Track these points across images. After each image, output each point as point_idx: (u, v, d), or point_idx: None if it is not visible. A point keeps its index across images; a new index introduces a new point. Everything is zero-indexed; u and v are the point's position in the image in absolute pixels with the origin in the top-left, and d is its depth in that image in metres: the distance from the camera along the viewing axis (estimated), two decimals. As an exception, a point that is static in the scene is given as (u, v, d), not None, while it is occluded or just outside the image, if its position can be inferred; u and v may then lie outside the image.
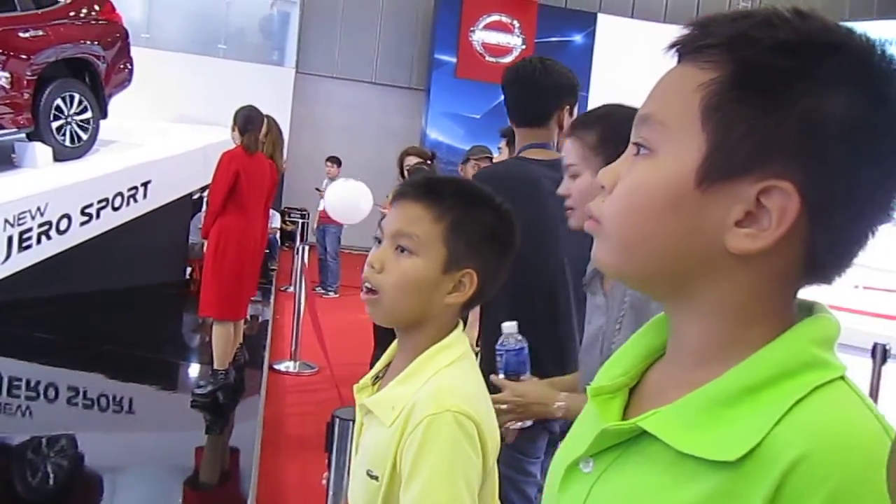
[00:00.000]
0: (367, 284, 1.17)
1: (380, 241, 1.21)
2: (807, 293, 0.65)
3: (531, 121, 2.23)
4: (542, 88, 2.22)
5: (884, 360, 3.22)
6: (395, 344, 1.26)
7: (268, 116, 4.86)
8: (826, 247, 0.60)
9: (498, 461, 1.18)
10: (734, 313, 0.62)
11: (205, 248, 4.66)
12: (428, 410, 1.08)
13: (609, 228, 0.65)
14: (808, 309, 0.65)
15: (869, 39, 0.60)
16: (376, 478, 1.13)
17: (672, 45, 0.64)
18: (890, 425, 0.57)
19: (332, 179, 8.43)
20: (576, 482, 0.69)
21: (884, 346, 3.23)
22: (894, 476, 0.45)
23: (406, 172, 4.63)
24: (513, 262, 1.24)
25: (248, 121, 4.55)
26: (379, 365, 1.26)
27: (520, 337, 1.68)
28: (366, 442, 1.20)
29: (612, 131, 1.50)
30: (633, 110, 0.69)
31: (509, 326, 1.69)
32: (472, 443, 1.09)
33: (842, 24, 0.61)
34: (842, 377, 0.59)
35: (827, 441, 0.54)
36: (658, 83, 0.66)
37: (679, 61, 0.65)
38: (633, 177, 0.64)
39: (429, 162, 4.62)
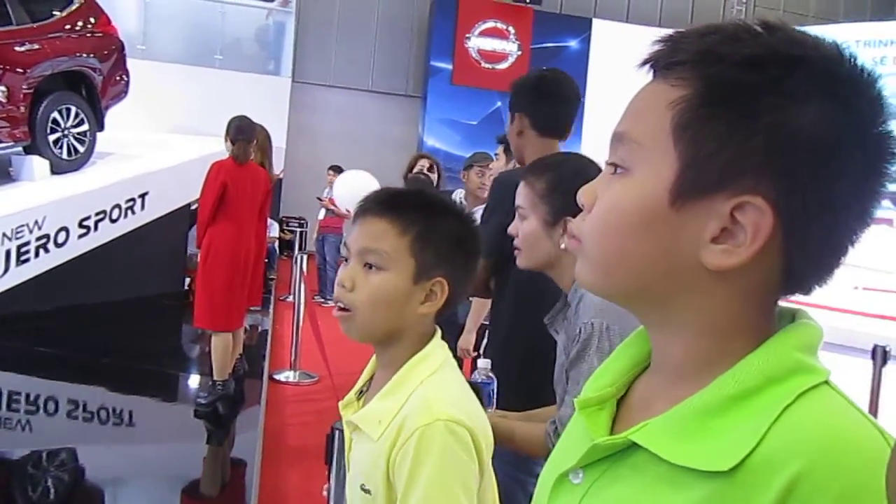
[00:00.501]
0: (339, 304, 1.18)
1: (346, 261, 1.22)
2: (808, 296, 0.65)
3: (562, 132, 2.29)
4: (572, 99, 2.32)
5: (884, 362, 3.22)
6: (374, 359, 1.27)
7: (259, 125, 4.85)
8: (803, 259, 0.60)
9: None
10: (714, 328, 0.63)
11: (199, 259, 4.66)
12: (419, 422, 1.09)
13: (588, 247, 0.66)
14: (791, 316, 0.65)
15: (838, 49, 0.60)
16: (369, 491, 1.14)
17: (644, 62, 0.65)
18: (879, 424, 0.58)
19: (330, 191, 8.44)
20: (565, 493, 0.69)
21: (884, 347, 3.22)
22: (893, 480, 0.45)
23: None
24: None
25: (239, 131, 4.55)
26: (361, 381, 1.27)
27: (490, 374, 1.82)
28: (356, 457, 1.21)
29: (560, 182, 1.58)
30: (587, 162, 0.71)
31: (484, 363, 1.84)
32: (466, 447, 1.10)
33: (810, 32, 0.61)
34: (826, 381, 0.60)
35: (826, 450, 0.54)
36: (632, 101, 0.66)
37: (654, 76, 0.65)
38: (609, 196, 0.64)
39: (425, 172, 4.63)
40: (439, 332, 1.25)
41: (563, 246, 1.66)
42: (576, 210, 0.70)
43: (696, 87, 0.59)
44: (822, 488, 0.53)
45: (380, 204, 1.21)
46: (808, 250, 0.60)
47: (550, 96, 2.28)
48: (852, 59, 0.60)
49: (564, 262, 1.67)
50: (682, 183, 0.60)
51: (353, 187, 6.15)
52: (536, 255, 1.70)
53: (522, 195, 1.66)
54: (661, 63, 0.63)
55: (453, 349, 2.36)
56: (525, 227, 1.64)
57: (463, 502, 1.08)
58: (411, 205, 1.21)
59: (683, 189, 0.60)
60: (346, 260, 1.22)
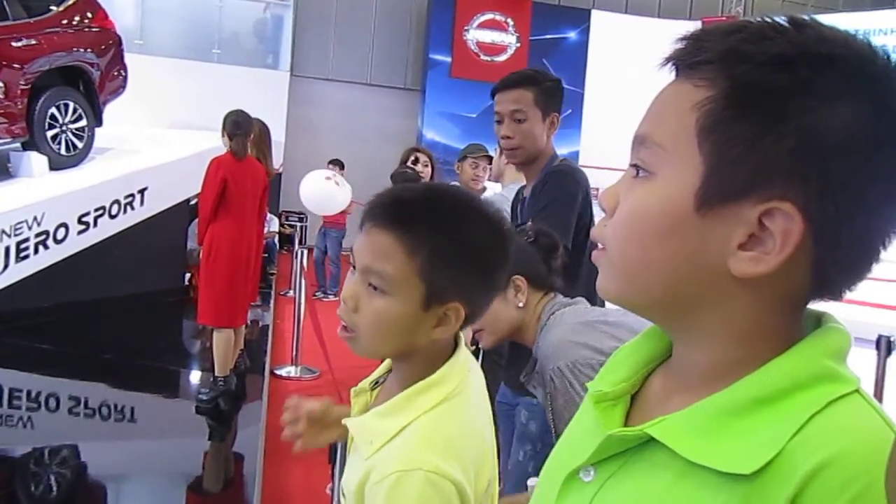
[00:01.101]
0: (343, 322, 1.06)
1: (354, 268, 1.07)
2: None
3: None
4: None
5: (888, 352, 3.21)
6: None
7: (257, 119, 4.83)
8: (833, 265, 0.58)
9: None
10: (740, 335, 0.61)
11: (200, 255, 4.64)
12: (397, 466, 0.98)
13: (613, 254, 0.64)
14: (816, 319, 0.63)
15: (870, 46, 0.58)
16: (346, 496, 1.10)
17: (667, 60, 0.62)
18: None
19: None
20: (575, 491, 0.67)
21: (888, 337, 3.21)
22: (893, 476, 0.44)
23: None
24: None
25: (236, 125, 4.52)
26: (380, 369, 1.19)
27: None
28: (350, 461, 1.13)
29: None
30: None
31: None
32: (447, 502, 0.98)
33: (842, 29, 0.59)
34: (857, 390, 0.58)
35: (847, 449, 0.53)
36: (654, 101, 0.64)
37: (676, 76, 0.63)
38: (632, 200, 0.62)
39: (409, 166, 4.60)
40: (461, 352, 1.11)
41: (520, 304, 1.70)
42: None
43: (722, 88, 0.57)
44: (840, 484, 0.52)
45: (388, 214, 1.03)
46: (840, 256, 0.58)
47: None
48: (885, 56, 0.57)
49: (526, 320, 1.72)
50: (707, 188, 0.58)
51: (317, 195, 6.18)
52: (501, 325, 1.73)
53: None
54: (684, 62, 0.61)
55: None
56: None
57: None
58: (424, 217, 1.02)
59: (709, 194, 0.58)
60: (354, 268, 1.07)
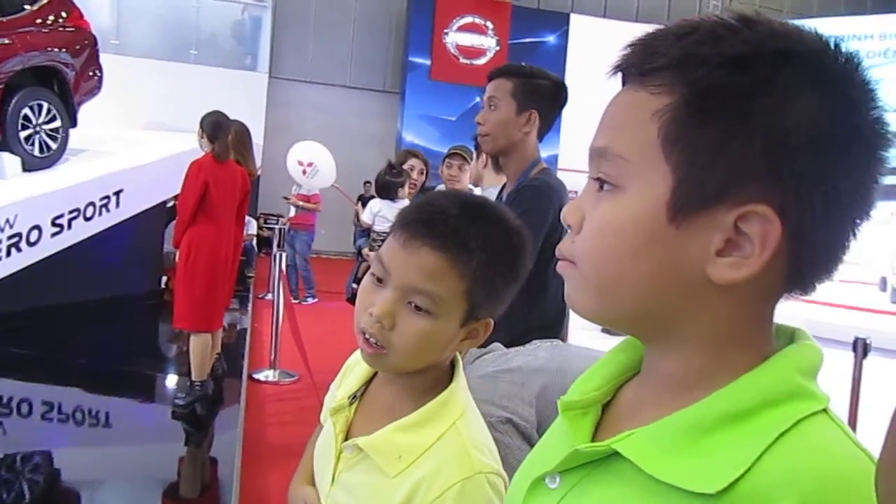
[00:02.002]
0: (371, 339, 1.01)
1: (380, 280, 1.03)
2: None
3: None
4: None
5: (864, 354, 3.24)
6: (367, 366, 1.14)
7: (236, 121, 4.78)
8: (810, 263, 0.58)
9: None
10: (717, 341, 0.60)
11: (177, 259, 4.58)
12: (458, 475, 0.98)
13: (584, 269, 0.62)
14: (790, 335, 0.63)
15: (821, 38, 0.57)
16: None
17: (616, 68, 0.61)
18: (874, 456, 0.55)
19: (299, 186, 8.32)
20: (540, 497, 0.67)
21: (864, 340, 3.25)
22: (884, 491, 0.44)
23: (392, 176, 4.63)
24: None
25: (217, 127, 4.47)
26: (355, 385, 1.14)
27: None
28: (353, 481, 1.07)
29: None
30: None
31: None
32: (501, 498, 1.00)
33: (790, 21, 0.58)
34: (824, 409, 0.57)
35: (819, 487, 0.52)
36: (607, 112, 0.62)
37: (625, 83, 0.61)
38: (601, 214, 0.60)
39: (395, 168, 4.59)
40: (461, 363, 1.12)
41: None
42: None
43: (682, 94, 0.56)
44: (803, 498, 0.51)
45: (437, 234, 1.00)
46: (816, 253, 0.58)
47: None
48: (837, 47, 0.57)
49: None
50: (679, 198, 0.57)
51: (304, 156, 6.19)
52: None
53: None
54: (636, 69, 0.59)
55: None
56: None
57: None
58: (473, 237, 1.00)
59: (682, 204, 0.57)
60: (380, 280, 1.03)
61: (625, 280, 0.59)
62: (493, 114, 2.16)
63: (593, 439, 0.66)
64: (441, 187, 4.31)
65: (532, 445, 1.65)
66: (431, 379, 1.07)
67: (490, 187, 3.24)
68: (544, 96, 2.18)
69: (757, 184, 0.55)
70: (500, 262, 1.03)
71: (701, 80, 0.55)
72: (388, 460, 1.01)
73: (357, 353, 1.17)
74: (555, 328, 2.12)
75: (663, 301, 0.59)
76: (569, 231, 0.64)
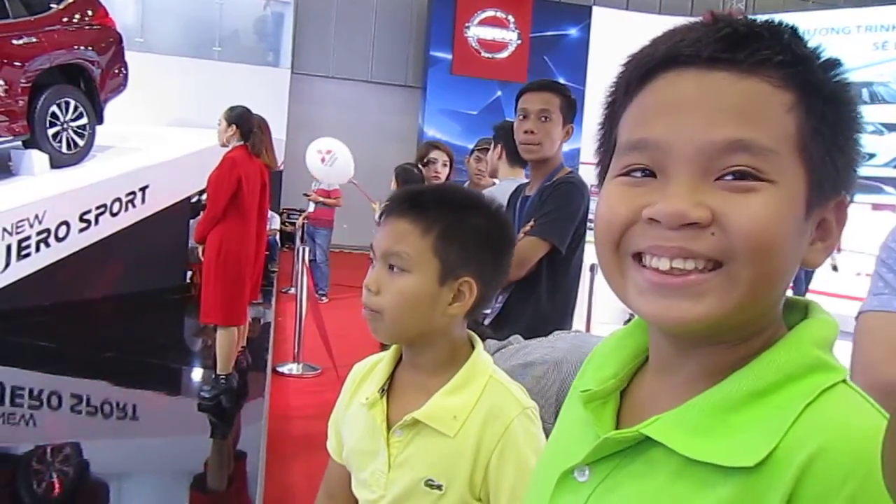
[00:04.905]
0: (367, 306, 1.16)
1: (373, 262, 1.19)
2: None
3: None
4: None
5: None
6: (390, 355, 1.24)
7: (255, 115, 4.82)
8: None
9: None
10: (767, 327, 0.62)
11: (200, 253, 4.62)
12: (514, 411, 1.15)
13: (739, 271, 0.57)
14: (804, 307, 0.64)
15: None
16: (439, 486, 1.13)
17: (738, 44, 0.58)
18: None
19: (319, 182, 8.24)
20: (570, 492, 0.66)
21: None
22: (889, 461, 0.45)
23: (414, 171, 4.60)
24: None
25: (249, 121, 4.54)
26: (381, 378, 1.23)
27: None
28: (414, 455, 1.17)
29: None
30: None
31: None
32: (541, 429, 1.17)
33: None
34: (844, 380, 0.59)
35: (843, 438, 0.54)
36: (712, 97, 0.58)
37: (726, 67, 0.58)
38: (761, 210, 0.57)
39: (410, 163, 4.58)
40: (480, 345, 1.23)
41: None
42: None
43: (803, 92, 0.58)
44: (839, 473, 0.52)
45: (402, 204, 1.18)
46: None
47: None
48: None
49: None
50: (814, 193, 0.59)
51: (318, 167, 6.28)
52: None
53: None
54: (760, 56, 0.57)
55: None
56: None
57: None
58: (433, 203, 1.18)
59: (814, 198, 0.59)
60: (373, 262, 1.19)
61: (779, 275, 0.58)
62: (546, 125, 2.40)
63: (617, 429, 0.66)
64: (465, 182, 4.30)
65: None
66: (450, 353, 1.20)
67: (506, 180, 3.26)
68: (574, 111, 2.48)
69: (848, 176, 0.61)
70: (465, 222, 1.17)
71: (822, 84, 0.59)
72: (445, 422, 1.14)
73: (361, 366, 1.31)
74: (571, 315, 2.41)
75: (782, 294, 0.62)
76: (674, 231, 0.57)
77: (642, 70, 0.61)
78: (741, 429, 0.57)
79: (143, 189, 6.83)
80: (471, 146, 4.40)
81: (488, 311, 2.34)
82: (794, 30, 0.60)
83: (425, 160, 4.54)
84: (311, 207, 8.55)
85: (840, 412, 0.56)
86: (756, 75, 0.57)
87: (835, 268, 7.95)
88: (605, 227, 0.61)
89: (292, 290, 7.30)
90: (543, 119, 2.39)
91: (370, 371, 1.27)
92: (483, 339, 1.85)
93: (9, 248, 5.63)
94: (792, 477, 0.53)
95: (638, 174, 0.60)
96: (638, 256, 0.60)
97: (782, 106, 0.57)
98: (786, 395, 0.57)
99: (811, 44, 0.60)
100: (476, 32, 12.87)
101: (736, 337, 0.61)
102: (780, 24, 0.60)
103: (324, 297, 8.34)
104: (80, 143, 6.87)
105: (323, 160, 6.40)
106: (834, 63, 0.60)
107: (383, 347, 1.27)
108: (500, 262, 1.21)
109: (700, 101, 0.58)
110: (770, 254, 0.56)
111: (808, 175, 0.58)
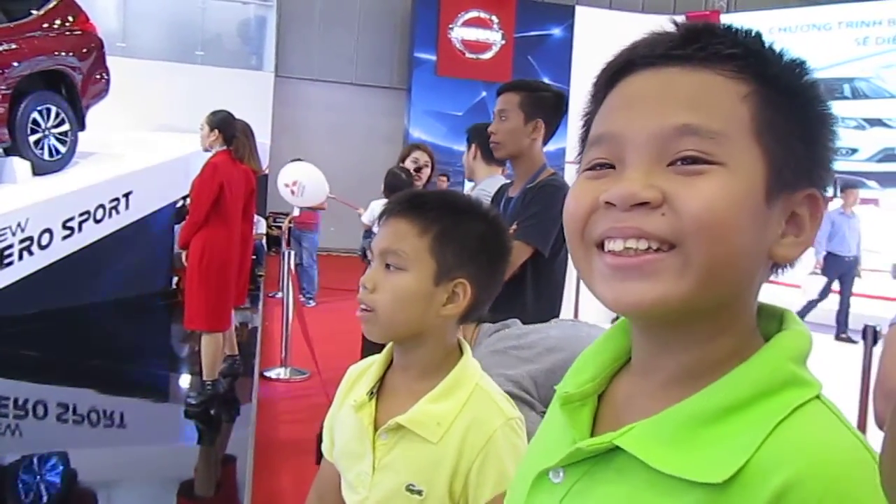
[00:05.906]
0: (361, 304, 1.18)
1: (370, 262, 1.22)
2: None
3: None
4: None
5: (874, 342, 3.23)
6: (381, 358, 1.25)
7: (238, 120, 4.80)
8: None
9: None
10: (746, 325, 0.62)
11: (184, 259, 4.59)
12: (498, 421, 1.15)
13: (691, 252, 0.58)
14: (779, 318, 0.64)
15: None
16: (419, 492, 1.14)
17: (689, 41, 0.61)
18: (867, 442, 0.57)
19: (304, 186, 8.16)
20: (544, 492, 0.67)
21: (874, 328, 3.23)
22: (887, 466, 0.45)
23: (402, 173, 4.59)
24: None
25: (231, 126, 4.52)
26: (371, 380, 1.24)
27: None
28: (397, 459, 1.17)
29: None
30: None
31: None
32: (525, 441, 1.17)
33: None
34: (818, 396, 0.59)
35: (817, 463, 0.54)
36: (671, 89, 0.60)
37: (689, 64, 0.60)
38: (713, 190, 0.57)
39: (401, 166, 4.56)
40: (469, 351, 1.24)
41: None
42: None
43: (759, 85, 0.59)
44: (811, 495, 0.52)
45: (402, 204, 1.21)
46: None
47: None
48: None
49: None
50: (774, 179, 0.59)
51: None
52: None
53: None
54: (702, 51, 0.60)
55: None
56: None
57: None
58: (434, 205, 1.20)
59: (774, 185, 0.59)
60: (370, 262, 1.22)
61: (734, 259, 0.58)
62: (503, 124, 2.43)
63: (593, 432, 0.67)
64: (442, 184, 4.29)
65: (536, 413, 1.68)
66: (439, 357, 1.20)
67: (487, 178, 3.30)
68: (548, 106, 2.44)
69: (819, 170, 0.61)
70: (463, 226, 1.19)
71: (778, 77, 0.60)
72: (429, 428, 1.15)
73: (355, 367, 1.32)
74: (557, 317, 2.38)
75: (743, 283, 0.61)
76: (627, 212, 0.59)
77: (607, 76, 0.66)
78: (712, 444, 0.57)
79: (126, 195, 6.79)
80: (456, 147, 4.40)
81: None
82: (751, 29, 0.61)
83: (406, 162, 4.56)
84: (296, 211, 8.52)
85: (812, 432, 0.56)
86: (708, 69, 0.60)
87: None
88: (570, 218, 0.64)
89: (279, 295, 7.27)
90: (502, 119, 2.43)
91: (363, 373, 1.28)
92: (480, 323, 1.86)
93: (-9, 256, 5.58)
94: (767, 496, 0.53)
95: (599, 167, 0.63)
96: (601, 245, 0.61)
97: (736, 94, 0.59)
98: (758, 412, 0.57)
99: (775, 46, 0.61)
100: (460, 33, 12.89)
101: (705, 331, 0.61)
102: (739, 26, 0.62)
103: (311, 301, 8.33)
104: (63, 149, 6.82)
105: (293, 192, 6.37)
106: (796, 61, 0.61)
107: (364, 354, 1.28)
108: (495, 267, 1.23)
109: (654, 94, 0.61)
110: (721, 235, 0.57)
111: (766, 160, 0.59)
